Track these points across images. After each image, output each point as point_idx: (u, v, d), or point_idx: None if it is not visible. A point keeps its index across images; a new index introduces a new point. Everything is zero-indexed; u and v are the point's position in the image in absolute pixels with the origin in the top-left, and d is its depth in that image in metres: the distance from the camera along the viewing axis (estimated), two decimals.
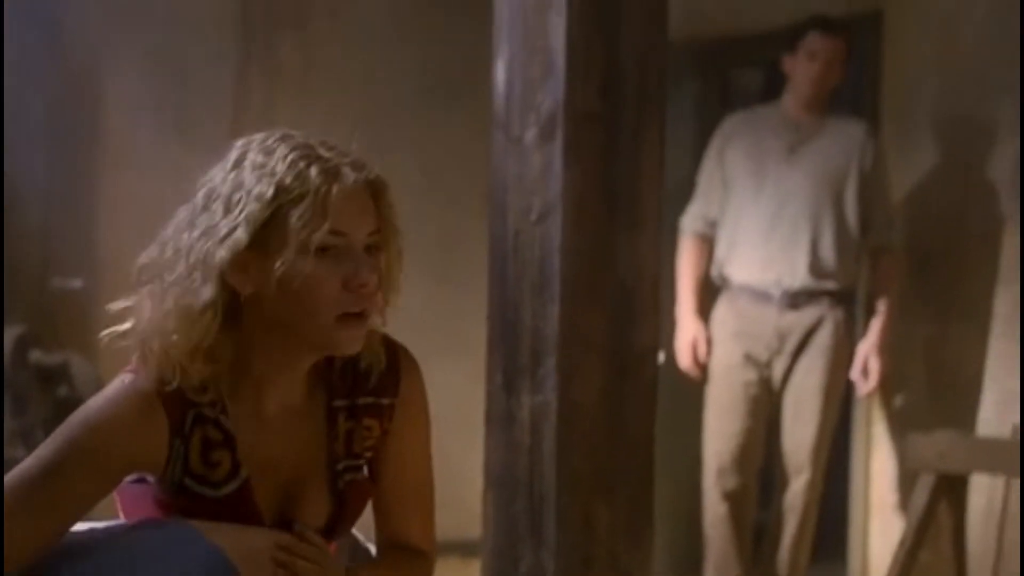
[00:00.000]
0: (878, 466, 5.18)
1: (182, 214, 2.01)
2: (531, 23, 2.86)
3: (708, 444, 5.03)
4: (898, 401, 5.35)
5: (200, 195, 2.00)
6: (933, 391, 5.28)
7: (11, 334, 4.84)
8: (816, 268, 4.88)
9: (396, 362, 2.11)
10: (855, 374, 4.95)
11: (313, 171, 1.93)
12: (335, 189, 1.93)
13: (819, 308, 4.91)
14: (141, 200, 5.43)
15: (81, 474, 1.95)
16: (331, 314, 1.96)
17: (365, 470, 2.12)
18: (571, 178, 2.80)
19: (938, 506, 4.33)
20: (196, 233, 1.95)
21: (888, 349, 4.99)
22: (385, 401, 2.10)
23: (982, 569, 4.68)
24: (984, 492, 4.68)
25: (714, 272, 5.03)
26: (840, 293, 4.95)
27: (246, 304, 1.98)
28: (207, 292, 1.94)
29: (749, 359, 4.94)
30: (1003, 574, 4.65)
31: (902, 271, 5.07)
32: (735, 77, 6.14)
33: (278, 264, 1.93)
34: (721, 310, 5.01)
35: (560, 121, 2.81)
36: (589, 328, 2.83)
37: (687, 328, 5.01)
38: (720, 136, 5.07)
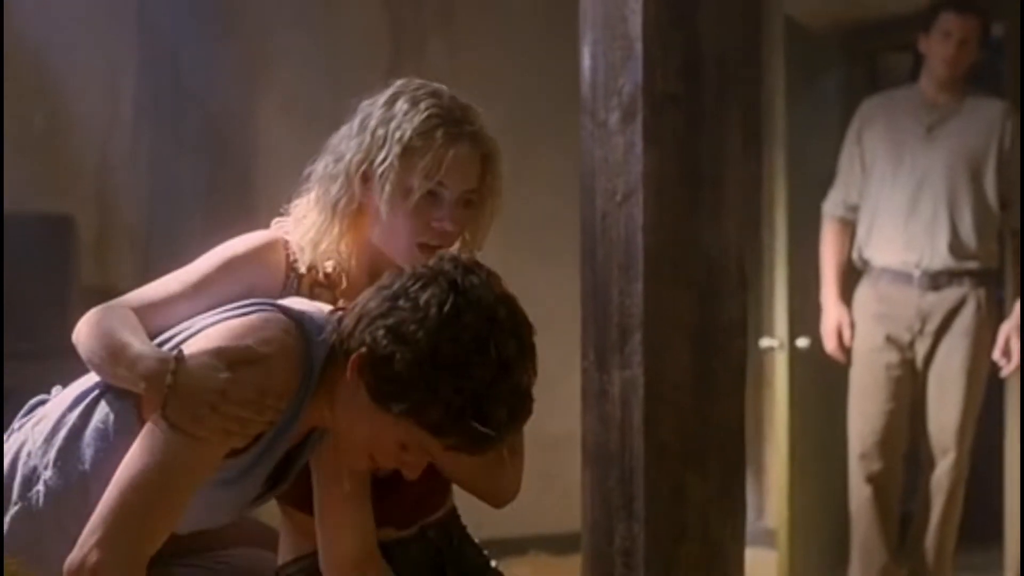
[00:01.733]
0: None
1: (343, 131, 2.49)
2: (611, 9, 2.93)
3: (852, 427, 5.04)
4: None
5: (357, 120, 2.47)
6: None
7: None
8: (956, 248, 4.86)
9: None
10: (997, 354, 4.91)
11: (440, 132, 2.38)
12: (451, 152, 2.39)
13: (961, 288, 4.89)
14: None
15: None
16: (414, 240, 2.41)
17: None
18: (651, 159, 2.85)
19: None
20: (352, 152, 2.42)
21: None
22: None
23: None
24: None
25: (855, 255, 5.04)
26: (982, 273, 4.92)
27: (363, 215, 2.43)
28: (348, 202, 2.41)
29: (891, 341, 4.94)
30: None
31: None
32: (883, 61, 6.11)
33: (395, 194, 2.38)
34: (862, 293, 5.02)
35: (640, 104, 2.87)
36: (674, 305, 2.88)
37: (831, 313, 5.03)
38: (858, 120, 5.08)
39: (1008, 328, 4.91)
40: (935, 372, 4.93)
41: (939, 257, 4.87)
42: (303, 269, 2.44)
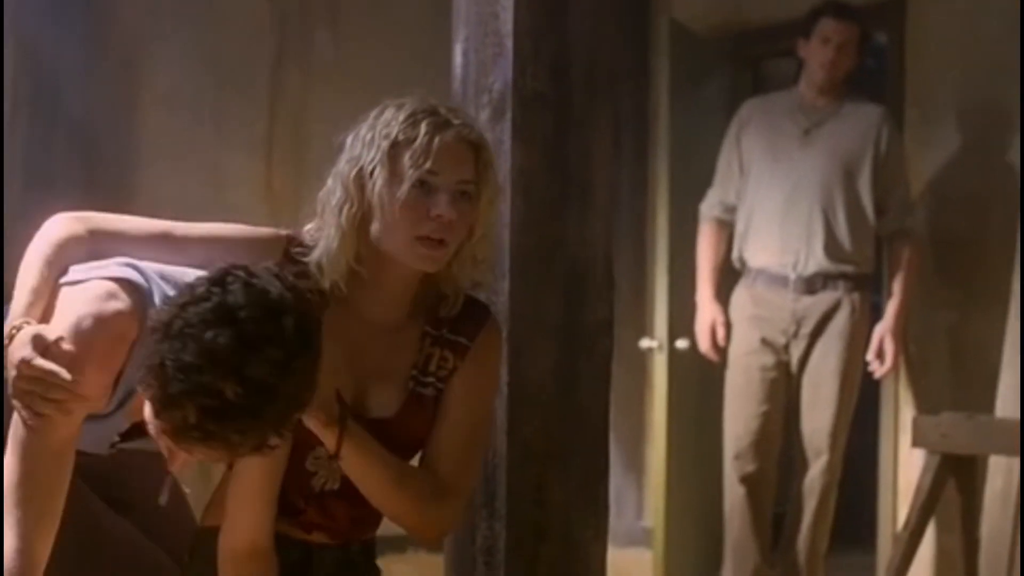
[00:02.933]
0: (905, 449, 5.16)
1: (343, 156, 2.49)
2: (483, 7, 2.93)
3: (727, 428, 5.08)
4: (922, 384, 5.36)
5: (349, 138, 2.48)
6: (955, 375, 5.28)
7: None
8: (832, 251, 4.91)
9: (482, 318, 2.56)
10: (871, 356, 4.97)
11: (425, 122, 2.42)
12: (437, 139, 2.42)
13: (835, 292, 4.94)
14: (176, 194, 5.57)
15: None
16: (413, 233, 2.41)
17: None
18: (520, 157, 2.85)
19: (944, 487, 4.33)
20: (345, 164, 2.46)
21: (903, 332, 5.01)
22: (463, 341, 2.53)
23: (998, 549, 4.68)
24: (1002, 473, 4.68)
25: (734, 256, 5.07)
26: (856, 277, 4.97)
27: (367, 219, 2.44)
28: (351, 207, 2.44)
29: (766, 343, 4.98)
30: (1019, 555, 4.65)
31: (921, 255, 5.07)
32: (767, 66, 6.16)
33: (390, 191, 2.41)
34: (739, 295, 5.06)
35: (509, 102, 2.88)
36: (539, 305, 2.89)
37: (705, 313, 5.07)
38: (737, 121, 5.12)
39: (882, 330, 4.97)
40: (809, 375, 4.97)
41: (814, 260, 4.92)
42: (326, 284, 2.45)
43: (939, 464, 4.30)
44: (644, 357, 5.79)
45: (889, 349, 4.95)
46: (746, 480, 5.01)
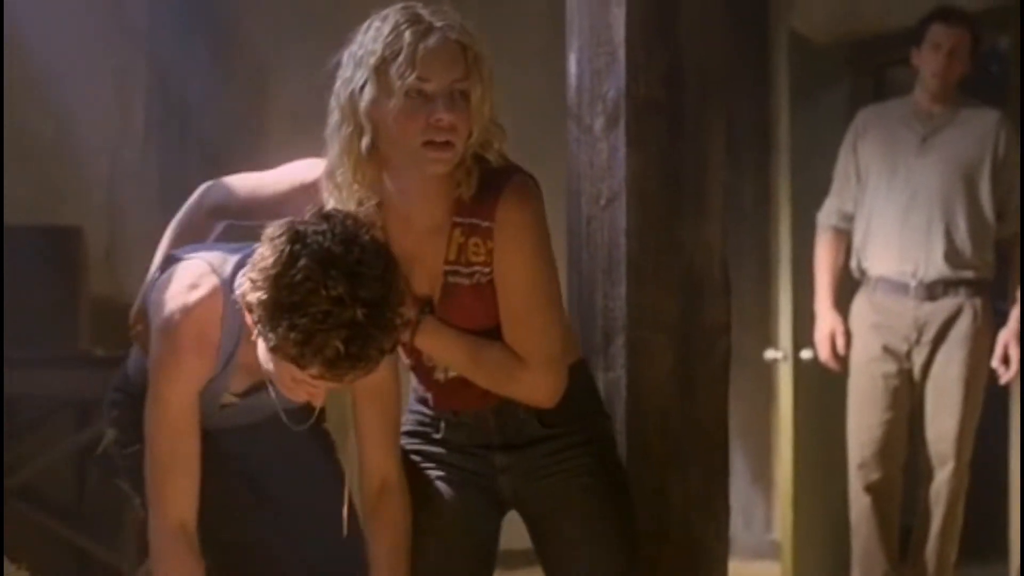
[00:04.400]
0: None
1: (338, 76, 2.55)
2: (596, 17, 2.98)
3: (851, 437, 5.06)
4: None
5: (345, 56, 2.53)
6: None
7: None
8: (952, 258, 4.88)
9: (499, 190, 2.56)
10: (996, 362, 4.94)
11: (408, 31, 2.45)
12: (422, 46, 2.44)
13: (957, 298, 4.91)
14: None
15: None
16: (417, 141, 2.47)
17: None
18: (634, 164, 2.91)
19: None
20: (340, 86, 2.52)
21: None
22: (484, 223, 2.56)
23: None
24: None
25: (852, 264, 5.07)
26: (978, 282, 4.94)
27: (377, 137, 2.49)
28: (348, 127, 2.50)
29: (888, 351, 4.97)
30: None
31: None
32: (888, 74, 6.14)
33: (387, 104, 2.46)
34: (859, 303, 5.05)
35: (623, 109, 2.93)
36: (657, 308, 2.93)
37: (825, 321, 5.06)
38: (853, 130, 5.11)
39: (1006, 335, 4.94)
40: (932, 382, 4.95)
41: (935, 267, 4.90)
42: (348, 204, 2.53)
43: None
44: (769, 368, 5.79)
45: (1014, 354, 4.92)
46: (871, 488, 4.99)
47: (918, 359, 4.95)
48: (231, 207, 2.75)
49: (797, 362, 5.32)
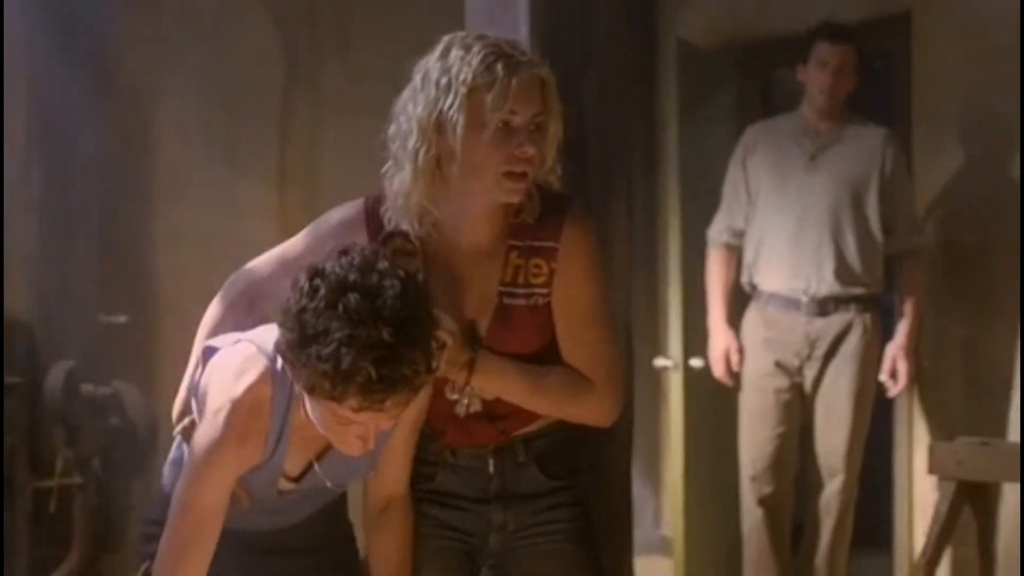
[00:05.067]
0: (920, 465, 5.22)
1: (404, 95, 2.61)
2: None
3: (743, 451, 5.12)
4: (935, 401, 5.41)
5: (417, 78, 2.58)
6: (969, 391, 5.33)
7: (62, 368, 5.06)
8: (842, 274, 4.95)
9: (562, 213, 2.65)
10: (884, 376, 5.02)
11: (499, 65, 2.52)
12: (514, 81, 2.52)
13: (847, 313, 4.98)
14: (192, 225, 5.63)
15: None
16: (499, 171, 2.54)
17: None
18: None
19: (960, 513, 4.38)
20: (420, 109, 2.55)
21: (916, 350, 5.07)
22: (548, 244, 2.63)
23: (1013, 564, 4.74)
24: (1015, 491, 4.73)
25: (743, 280, 5.11)
26: (867, 298, 5.01)
27: (445, 160, 2.56)
28: (430, 149, 2.55)
29: (780, 366, 5.02)
30: None
31: (927, 273, 5.12)
32: (775, 78, 6.18)
33: (470, 133, 2.52)
34: (751, 318, 5.09)
35: None
36: None
37: (719, 338, 5.10)
38: (742, 147, 5.15)
39: (894, 349, 5.02)
40: (823, 396, 5.01)
41: (825, 284, 4.95)
42: (405, 226, 2.61)
43: (955, 491, 4.34)
44: (659, 374, 5.84)
45: (902, 368, 5.01)
46: (763, 502, 5.06)
47: (809, 373, 5.01)
48: (264, 284, 2.73)
49: (687, 370, 5.37)
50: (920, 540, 5.31)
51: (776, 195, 5.01)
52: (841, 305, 4.97)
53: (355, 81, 5.90)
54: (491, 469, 2.74)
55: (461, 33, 2.62)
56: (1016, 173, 5.18)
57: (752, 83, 6.05)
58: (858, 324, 4.98)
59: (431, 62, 2.57)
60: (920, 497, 5.32)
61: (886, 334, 5.10)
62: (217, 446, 2.51)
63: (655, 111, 5.68)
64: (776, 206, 5.01)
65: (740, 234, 5.10)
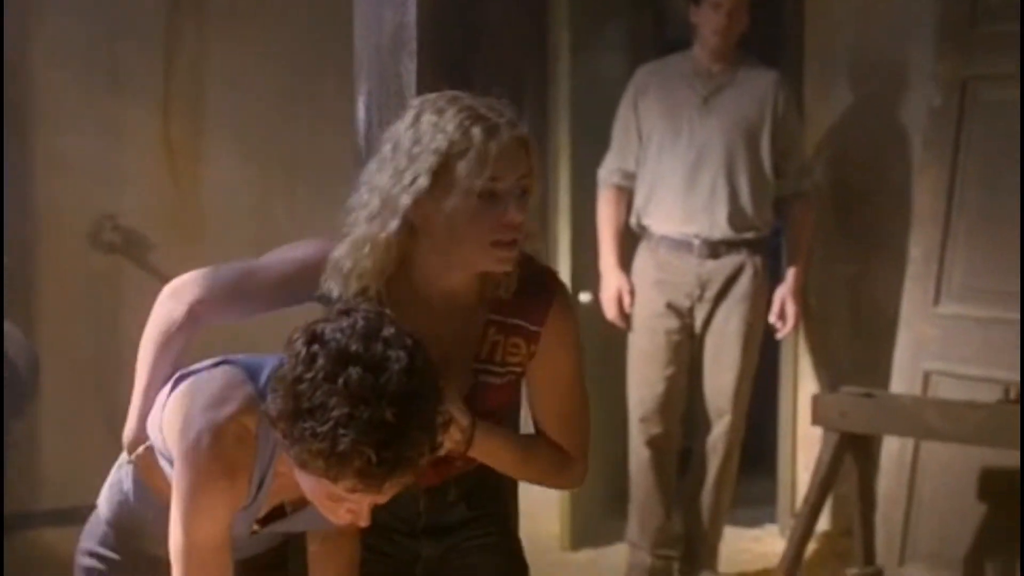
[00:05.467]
0: (804, 401, 5.28)
1: (373, 164, 2.45)
2: (386, 64, 2.90)
3: (632, 391, 5.13)
4: (821, 339, 5.48)
5: (387, 147, 2.43)
6: (854, 330, 5.40)
7: None
8: (735, 219, 4.94)
9: (550, 294, 2.53)
10: (773, 317, 5.06)
11: (476, 129, 2.36)
12: (493, 145, 2.36)
13: (739, 256, 4.98)
14: (74, 151, 5.49)
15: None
16: (486, 241, 2.39)
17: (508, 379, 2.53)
18: None
19: (842, 461, 4.44)
20: (385, 179, 2.40)
21: (804, 292, 5.11)
22: (532, 327, 2.50)
23: (894, 509, 4.83)
24: (896, 441, 4.81)
25: (633, 221, 5.09)
26: (758, 241, 5.01)
27: (421, 228, 2.41)
28: (394, 225, 2.39)
29: (671, 307, 5.02)
30: (913, 524, 4.79)
31: (815, 216, 5.14)
32: (668, 10, 6.13)
33: (448, 203, 2.37)
34: (641, 260, 5.08)
35: None
36: None
37: (611, 280, 5.08)
38: (633, 88, 5.10)
39: (783, 292, 5.05)
40: (712, 337, 5.03)
41: (719, 228, 4.94)
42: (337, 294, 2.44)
43: (838, 441, 4.39)
44: None
45: (790, 310, 5.04)
46: (652, 443, 5.08)
47: (699, 315, 5.01)
48: (214, 299, 2.52)
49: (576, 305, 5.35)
50: (802, 469, 5.44)
51: (669, 138, 4.98)
52: (733, 248, 4.97)
53: (241, 6, 5.76)
54: (421, 507, 2.66)
55: (432, 96, 2.45)
56: (904, 114, 5.22)
57: (643, 14, 6.01)
58: (749, 266, 4.99)
59: (401, 130, 2.42)
60: (803, 431, 5.39)
61: (774, 275, 5.12)
62: (204, 481, 2.26)
63: (547, 46, 5.62)
64: (669, 149, 4.98)
65: (631, 176, 5.07)
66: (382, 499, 2.23)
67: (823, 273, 5.38)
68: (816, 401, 4.49)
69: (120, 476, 2.56)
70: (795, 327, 5.12)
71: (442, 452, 2.32)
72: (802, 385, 5.54)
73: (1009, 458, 4.43)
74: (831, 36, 5.36)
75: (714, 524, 5.13)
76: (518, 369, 2.53)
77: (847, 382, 4.81)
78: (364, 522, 2.27)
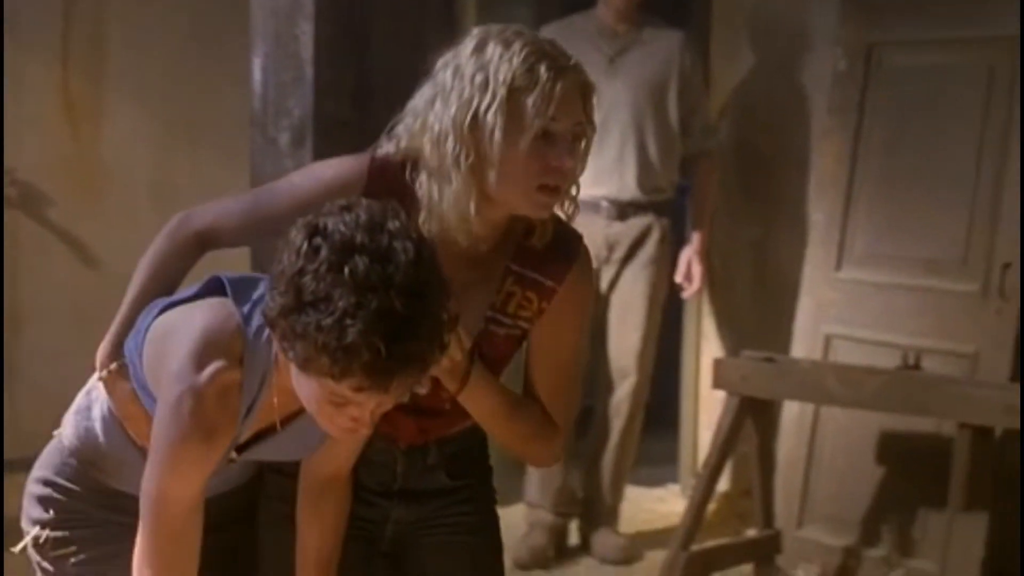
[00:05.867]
0: (707, 362, 5.31)
1: (425, 90, 2.34)
2: (282, 27, 2.87)
3: None
4: (725, 301, 5.50)
5: (448, 73, 2.30)
6: (757, 292, 5.42)
7: None
8: (643, 182, 4.93)
9: (572, 255, 2.44)
10: (680, 278, 5.07)
11: (543, 67, 2.26)
12: (559, 85, 2.26)
13: (646, 218, 4.97)
14: None
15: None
16: (534, 183, 2.29)
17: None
18: None
19: (743, 424, 4.46)
20: (452, 108, 2.28)
21: (709, 252, 5.12)
22: (549, 283, 2.42)
23: (793, 472, 4.87)
24: (796, 404, 4.85)
25: None
26: (665, 203, 5.01)
27: (478, 165, 2.29)
28: (469, 156, 2.28)
29: None
30: (812, 487, 4.84)
31: (720, 176, 5.15)
32: None
33: (505, 138, 2.26)
34: None
35: (310, 129, 2.85)
36: None
37: None
38: None
39: (689, 252, 5.06)
40: (618, 298, 5.02)
41: (627, 190, 4.93)
42: (459, 237, 2.34)
43: (738, 405, 4.41)
44: None
45: (696, 271, 5.05)
46: None
47: (606, 276, 4.99)
48: (224, 229, 2.43)
49: None
50: (704, 429, 5.47)
51: None
52: (640, 210, 4.96)
53: None
54: (398, 468, 2.57)
55: (496, 26, 2.33)
56: (808, 78, 5.23)
57: None
58: (656, 229, 4.98)
59: (463, 57, 2.29)
60: (705, 392, 5.42)
61: (679, 236, 5.12)
62: (183, 440, 2.18)
63: (451, 4, 5.56)
64: None
65: None
66: (387, 403, 2.12)
67: (727, 236, 5.39)
68: (717, 365, 4.50)
69: (89, 401, 2.46)
70: (701, 288, 5.13)
71: (437, 372, 2.25)
72: (705, 347, 5.57)
73: (906, 423, 4.48)
74: None
75: (615, 484, 5.13)
76: (525, 325, 2.44)
77: (749, 344, 4.83)
78: (367, 429, 2.16)
